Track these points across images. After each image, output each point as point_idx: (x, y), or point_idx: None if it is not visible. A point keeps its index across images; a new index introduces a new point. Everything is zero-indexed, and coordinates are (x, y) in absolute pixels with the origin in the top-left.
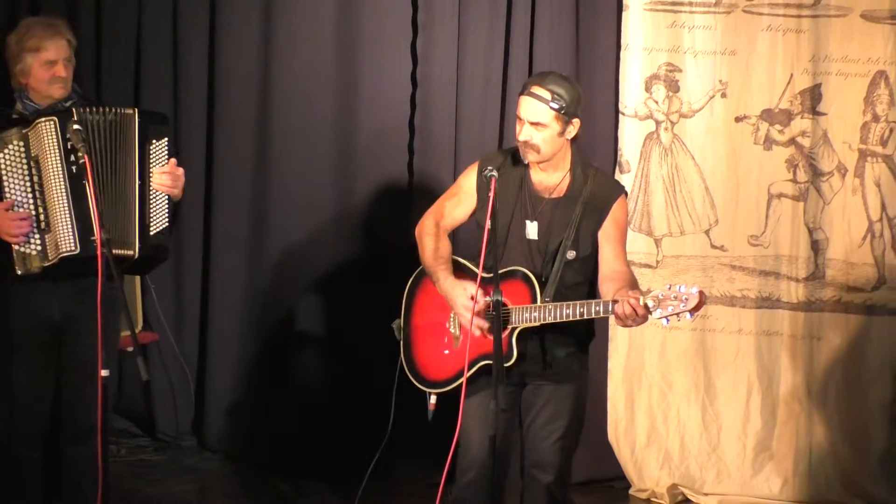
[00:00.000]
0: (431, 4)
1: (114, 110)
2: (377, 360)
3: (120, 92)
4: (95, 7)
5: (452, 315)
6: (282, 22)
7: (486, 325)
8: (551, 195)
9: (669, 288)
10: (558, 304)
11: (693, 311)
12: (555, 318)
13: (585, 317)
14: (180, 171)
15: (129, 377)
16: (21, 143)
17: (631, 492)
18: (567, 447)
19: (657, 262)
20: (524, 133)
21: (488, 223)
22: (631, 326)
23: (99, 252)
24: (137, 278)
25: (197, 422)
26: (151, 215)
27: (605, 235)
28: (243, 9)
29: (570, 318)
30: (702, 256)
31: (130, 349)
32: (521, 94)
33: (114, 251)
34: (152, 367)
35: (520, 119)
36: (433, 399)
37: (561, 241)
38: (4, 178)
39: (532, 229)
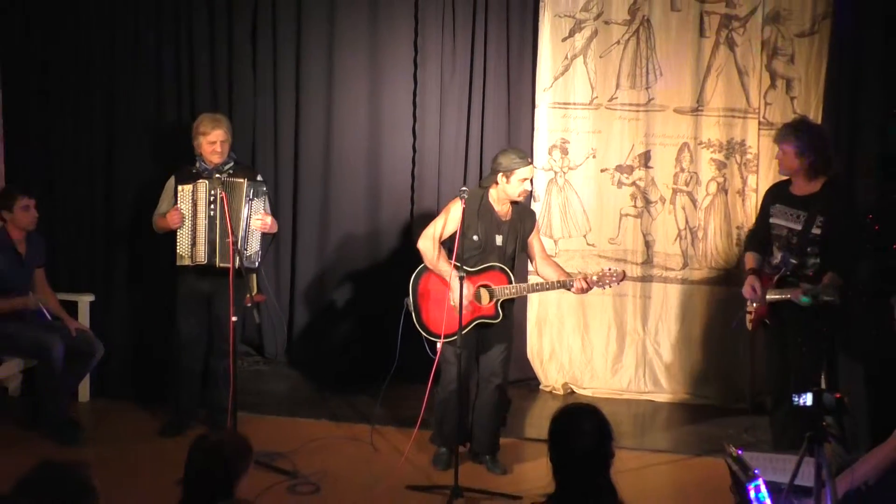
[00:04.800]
0: (424, 104)
1: (226, 180)
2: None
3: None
4: (229, 109)
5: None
6: (338, 117)
7: (467, 304)
8: (504, 219)
9: (608, 269)
10: (531, 283)
11: (620, 281)
12: (529, 292)
13: (548, 290)
14: (270, 217)
15: (248, 321)
16: (191, 191)
17: (541, 387)
18: (508, 360)
19: (555, 253)
20: (529, 186)
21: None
22: (579, 294)
23: (231, 256)
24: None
25: (288, 348)
26: (248, 244)
27: (534, 239)
28: (314, 109)
29: (538, 291)
30: (581, 250)
31: (249, 305)
32: (527, 165)
33: (220, 264)
34: (263, 316)
35: (525, 179)
36: (439, 345)
37: (515, 246)
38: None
39: (499, 240)
